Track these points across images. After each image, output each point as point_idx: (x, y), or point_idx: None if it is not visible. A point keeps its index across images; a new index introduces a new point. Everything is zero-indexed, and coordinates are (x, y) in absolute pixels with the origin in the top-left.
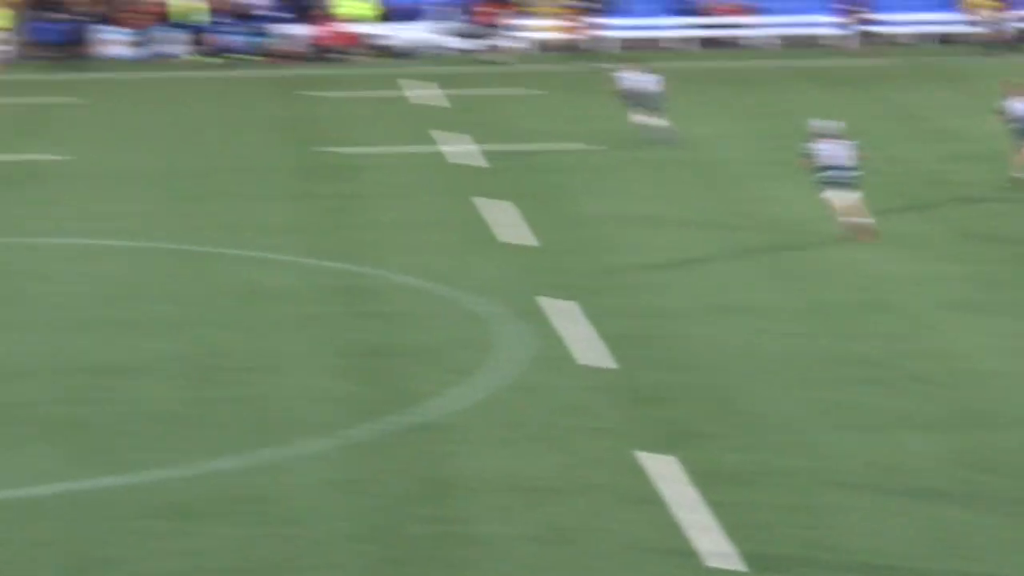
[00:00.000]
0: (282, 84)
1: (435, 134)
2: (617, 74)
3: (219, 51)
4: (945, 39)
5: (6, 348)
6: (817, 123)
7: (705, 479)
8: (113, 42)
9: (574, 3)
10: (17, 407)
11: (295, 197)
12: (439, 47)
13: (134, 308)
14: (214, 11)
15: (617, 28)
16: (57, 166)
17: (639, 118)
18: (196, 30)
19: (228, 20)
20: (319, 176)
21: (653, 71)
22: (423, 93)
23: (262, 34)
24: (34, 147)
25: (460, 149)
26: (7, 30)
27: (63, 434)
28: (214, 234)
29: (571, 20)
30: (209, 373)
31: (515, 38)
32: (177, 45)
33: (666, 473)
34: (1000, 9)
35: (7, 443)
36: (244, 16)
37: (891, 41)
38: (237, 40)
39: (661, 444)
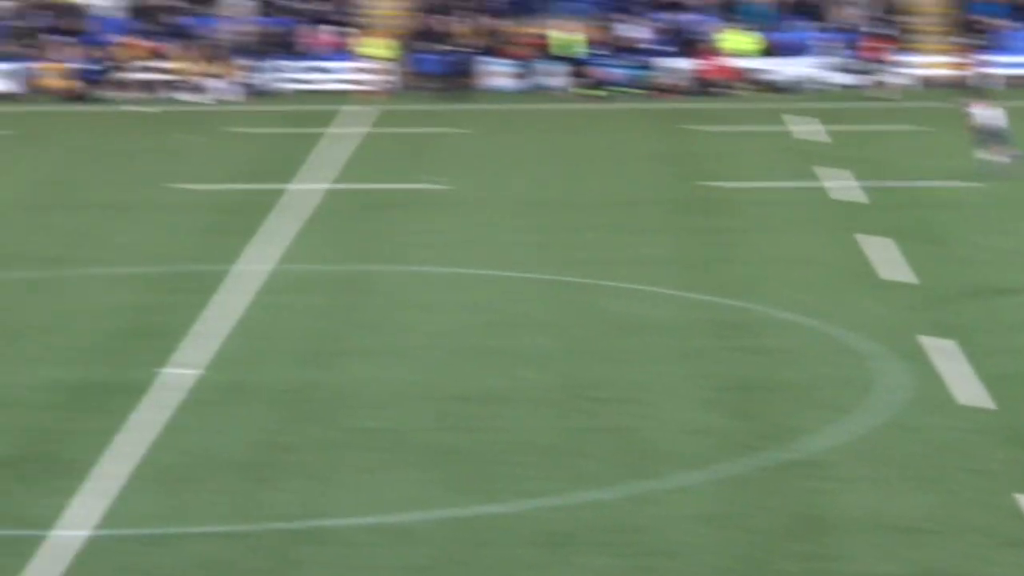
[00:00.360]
0: (664, 117)
1: (817, 170)
2: (969, 109)
3: (600, 84)
4: None
5: (384, 374)
6: None
7: None
8: (496, 73)
9: (960, 40)
10: (393, 433)
11: (674, 230)
12: (823, 82)
13: (511, 337)
14: (598, 44)
15: (1002, 65)
16: (439, 195)
17: (984, 153)
18: (577, 62)
19: (609, 53)
20: (699, 210)
21: (1000, 106)
22: (805, 128)
23: (645, 67)
24: (417, 176)
25: (840, 185)
26: (391, 61)
27: (438, 461)
28: (592, 265)
29: (956, 56)
30: (584, 404)
31: (900, 74)
32: (558, 77)
33: None
34: None
35: (383, 468)
36: (627, 49)
37: None
38: (619, 73)
39: None
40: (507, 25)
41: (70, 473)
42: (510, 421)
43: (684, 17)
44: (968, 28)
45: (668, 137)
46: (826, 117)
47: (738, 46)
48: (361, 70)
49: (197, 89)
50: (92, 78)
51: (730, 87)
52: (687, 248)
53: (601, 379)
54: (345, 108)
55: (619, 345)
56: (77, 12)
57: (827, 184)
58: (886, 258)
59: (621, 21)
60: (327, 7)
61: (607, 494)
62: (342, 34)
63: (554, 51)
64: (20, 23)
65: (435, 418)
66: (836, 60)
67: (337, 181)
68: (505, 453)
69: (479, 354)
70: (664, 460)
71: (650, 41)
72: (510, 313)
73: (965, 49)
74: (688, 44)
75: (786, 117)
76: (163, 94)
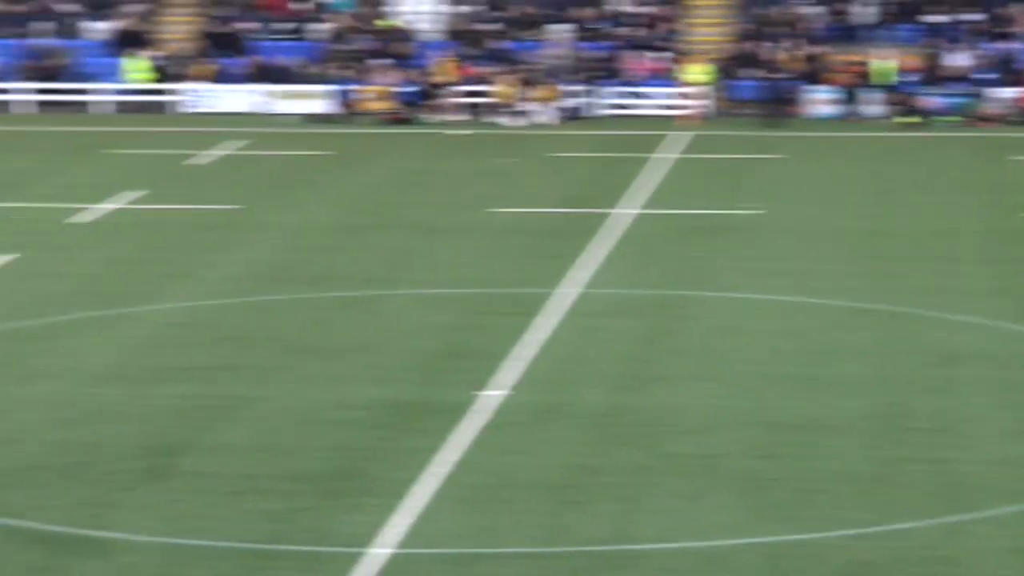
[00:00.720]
0: (986, 147)
1: None
2: None
3: (922, 112)
4: None
5: (695, 400)
6: None
7: None
8: (815, 101)
9: None
10: (705, 459)
11: (995, 261)
12: None
13: (825, 365)
14: (920, 72)
15: None
16: (754, 221)
17: None
18: (898, 90)
19: (929, 81)
20: (1020, 241)
21: None
22: None
23: (969, 96)
24: (731, 201)
25: None
26: (709, 86)
27: (749, 488)
28: (908, 294)
29: None
30: (898, 434)
31: None
32: (878, 105)
33: None
34: None
35: (692, 495)
36: (951, 78)
37: None
38: (941, 101)
39: None
40: (827, 52)
41: (379, 491)
42: (823, 449)
43: (1010, 46)
44: None
45: (990, 167)
46: None
47: None
48: (679, 96)
49: (516, 113)
50: (411, 100)
51: None
52: (1006, 278)
53: (916, 409)
54: (662, 133)
55: (934, 375)
56: (397, 35)
57: None
58: None
59: (947, 50)
60: (646, 33)
61: (920, 524)
62: (661, 60)
63: (874, 79)
64: (340, 46)
65: (747, 445)
66: None
67: (652, 206)
68: (817, 481)
69: (792, 381)
70: (978, 492)
71: (975, 70)
72: (824, 340)
73: None
74: (1014, 73)
75: None
76: (482, 118)
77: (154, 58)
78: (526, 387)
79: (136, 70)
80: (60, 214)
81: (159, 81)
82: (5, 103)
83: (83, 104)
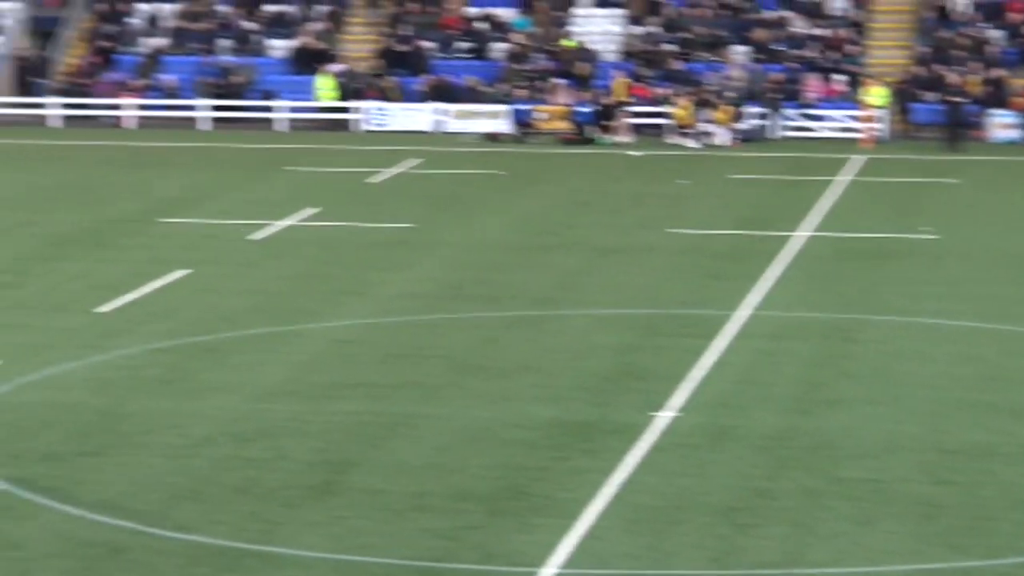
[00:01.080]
0: None
1: None
2: None
3: None
4: None
5: (868, 424)
6: None
7: None
8: (997, 125)
9: None
10: (876, 484)
11: None
12: None
13: (1002, 391)
14: None
15: None
16: (928, 245)
17: None
18: None
19: None
20: None
21: None
22: None
23: None
24: (907, 225)
25: None
26: (887, 109)
27: (919, 514)
28: None
29: None
30: None
31: None
32: None
33: None
34: None
35: (863, 519)
36: None
37: None
38: None
39: None
40: (1009, 76)
41: (548, 510)
42: (996, 476)
43: None
44: None
45: None
46: None
47: None
48: (857, 118)
49: (694, 134)
50: (586, 120)
51: None
52: None
53: None
54: (841, 156)
55: None
56: (579, 55)
57: None
58: None
59: None
60: (826, 55)
61: None
62: (839, 82)
63: None
64: (518, 65)
65: (919, 470)
66: None
67: (827, 229)
68: (988, 509)
69: (967, 407)
70: None
71: None
72: (1001, 366)
73: None
74: None
75: None
76: (660, 138)
77: (337, 75)
78: (697, 409)
79: (325, 87)
80: (238, 230)
81: (340, 99)
82: (190, 119)
83: (264, 121)
